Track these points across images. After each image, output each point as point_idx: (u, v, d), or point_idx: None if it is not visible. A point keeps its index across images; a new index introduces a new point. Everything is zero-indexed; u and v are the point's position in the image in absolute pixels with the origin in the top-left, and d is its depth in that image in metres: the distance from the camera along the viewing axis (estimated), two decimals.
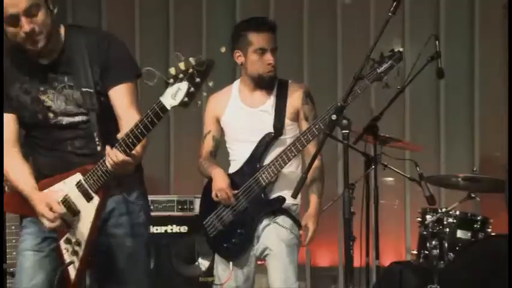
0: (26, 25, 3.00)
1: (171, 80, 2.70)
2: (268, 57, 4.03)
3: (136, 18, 6.34)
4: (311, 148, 3.93)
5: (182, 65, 2.68)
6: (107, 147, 2.93)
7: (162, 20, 6.36)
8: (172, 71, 2.69)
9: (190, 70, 2.67)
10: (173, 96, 2.70)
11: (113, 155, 2.90)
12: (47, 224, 3.10)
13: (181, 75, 2.68)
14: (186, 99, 2.69)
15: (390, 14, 3.20)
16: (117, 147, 2.91)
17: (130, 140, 2.87)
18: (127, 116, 3.07)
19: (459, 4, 6.32)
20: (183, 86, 2.68)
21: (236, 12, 6.30)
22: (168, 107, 2.73)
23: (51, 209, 3.08)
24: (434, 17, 6.29)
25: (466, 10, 6.29)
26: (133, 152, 2.92)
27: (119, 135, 2.92)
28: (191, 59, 2.68)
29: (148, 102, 2.82)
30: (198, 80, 2.67)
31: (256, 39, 4.02)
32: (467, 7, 6.28)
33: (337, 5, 6.31)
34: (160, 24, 6.36)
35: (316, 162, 3.86)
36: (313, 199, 4.08)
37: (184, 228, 5.23)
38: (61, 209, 3.10)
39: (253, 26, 4.07)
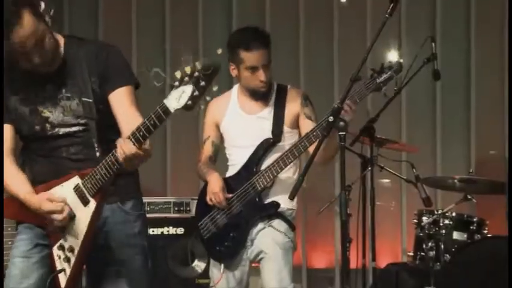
0: (36, 58, 3.01)
1: (176, 83, 2.69)
2: (260, 74, 4.00)
3: (133, 20, 6.32)
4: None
5: (188, 69, 2.67)
6: (119, 140, 2.89)
7: (159, 21, 6.35)
8: (178, 74, 2.69)
9: (196, 74, 2.66)
10: (177, 99, 2.68)
11: (126, 147, 2.85)
12: (58, 217, 3.06)
13: (186, 79, 2.67)
14: (190, 102, 2.67)
15: (387, 16, 3.20)
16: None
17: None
18: (128, 115, 3.07)
19: (455, 5, 6.31)
20: (188, 89, 2.66)
21: (232, 12, 6.29)
22: (172, 110, 2.71)
23: (53, 202, 3.06)
24: (430, 18, 6.28)
25: (462, 11, 6.28)
26: (145, 146, 2.87)
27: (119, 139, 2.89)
28: (197, 63, 2.67)
29: (151, 106, 2.80)
30: (202, 83, 2.66)
31: (247, 57, 3.98)
32: (463, 8, 6.27)
33: (334, 7, 6.30)
34: (156, 25, 6.35)
35: None
36: None
37: (180, 230, 5.22)
38: (62, 199, 3.06)
39: (244, 43, 3.99)
